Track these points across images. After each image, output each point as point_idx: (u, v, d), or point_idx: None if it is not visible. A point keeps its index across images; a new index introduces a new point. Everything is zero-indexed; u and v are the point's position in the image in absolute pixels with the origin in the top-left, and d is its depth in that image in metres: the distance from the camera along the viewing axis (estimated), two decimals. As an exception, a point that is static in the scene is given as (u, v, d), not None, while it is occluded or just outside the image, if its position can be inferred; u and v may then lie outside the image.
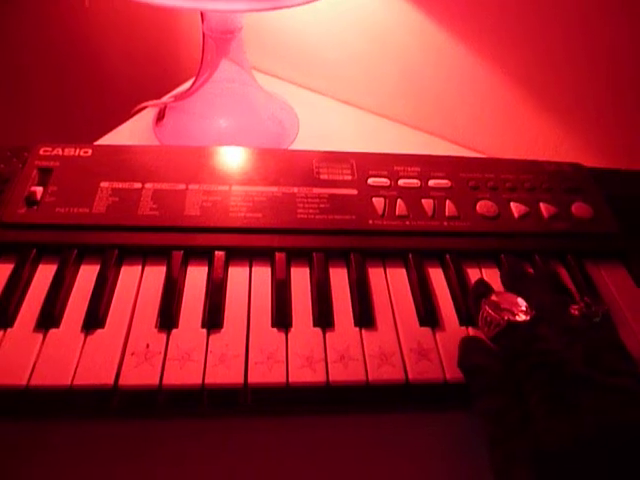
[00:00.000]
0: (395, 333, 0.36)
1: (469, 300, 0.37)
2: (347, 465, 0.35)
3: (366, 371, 0.34)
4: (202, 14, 0.53)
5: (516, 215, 0.44)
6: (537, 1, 0.54)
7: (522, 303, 0.32)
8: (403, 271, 0.41)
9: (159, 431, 0.34)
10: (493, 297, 0.32)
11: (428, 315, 0.37)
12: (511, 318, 0.31)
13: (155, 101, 0.62)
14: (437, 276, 0.41)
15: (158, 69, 0.79)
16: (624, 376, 0.28)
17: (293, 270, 0.40)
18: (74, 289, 0.37)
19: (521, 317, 0.31)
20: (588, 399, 0.27)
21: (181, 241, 0.39)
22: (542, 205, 0.45)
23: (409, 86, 0.65)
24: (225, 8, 0.43)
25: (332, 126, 0.65)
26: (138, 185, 0.42)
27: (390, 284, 0.40)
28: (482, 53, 0.59)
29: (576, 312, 0.32)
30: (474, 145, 0.64)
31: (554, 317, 0.31)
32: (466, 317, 0.37)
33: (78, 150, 0.44)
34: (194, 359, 0.33)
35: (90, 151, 0.44)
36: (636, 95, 0.54)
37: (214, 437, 0.35)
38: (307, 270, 0.40)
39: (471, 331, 0.37)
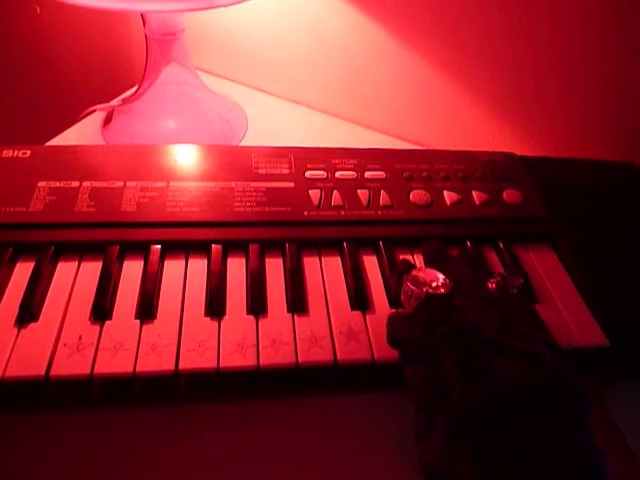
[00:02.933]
0: (327, 318, 0.38)
1: (392, 277, 0.39)
2: (281, 447, 0.36)
3: (296, 354, 0.35)
4: (143, 17, 0.54)
5: (448, 203, 0.46)
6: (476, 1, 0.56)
7: (441, 277, 0.33)
8: (338, 259, 0.42)
9: (97, 422, 0.35)
10: (414, 272, 0.33)
11: (359, 299, 0.39)
12: (430, 291, 0.32)
13: (103, 105, 0.63)
14: (371, 263, 0.42)
15: (108, 73, 0.80)
16: (533, 342, 0.29)
17: (229, 261, 0.41)
18: (9, 286, 0.37)
19: (440, 290, 0.32)
20: (498, 363, 0.28)
21: (117, 236, 0.40)
22: (474, 192, 0.47)
23: (353, 84, 0.66)
24: (159, 9, 0.44)
25: (280, 124, 0.66)
26: (76, 184, 0.43)
27: (325, 272, 0.41)
28: (422, 51, 0.61)
29: (493, 285, 0.33)
30: (417, 139, 0.65)
31: (471, 290, 0.33)
32: (396, 300, 0.39)
33: (16, 151, 0.44)
34: (126, 349, 0.34)
35: (28, 152, 0.45)
36: (563, 89, 0.57)
37: (152, 426, 0.35)
38: (243, 261, 0.41)
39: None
